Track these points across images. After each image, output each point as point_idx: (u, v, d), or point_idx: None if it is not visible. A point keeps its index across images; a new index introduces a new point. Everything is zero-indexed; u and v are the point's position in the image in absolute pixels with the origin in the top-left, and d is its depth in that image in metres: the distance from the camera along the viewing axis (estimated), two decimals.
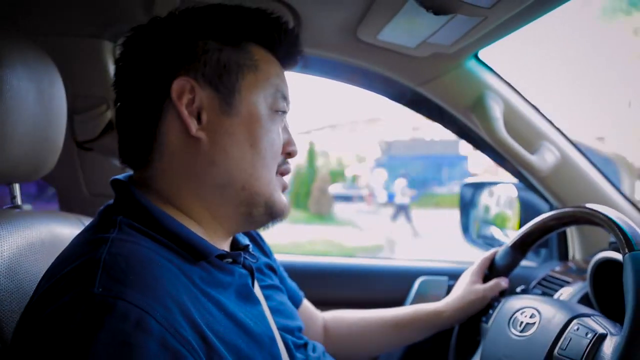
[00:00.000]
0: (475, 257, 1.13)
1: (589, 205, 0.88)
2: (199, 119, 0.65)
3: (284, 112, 0.70)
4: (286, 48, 0.72)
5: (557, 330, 0.80)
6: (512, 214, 1.50)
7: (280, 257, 1.09)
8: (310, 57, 1.18)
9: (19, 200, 0.85)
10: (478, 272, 1.08)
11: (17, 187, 0.85)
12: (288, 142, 0.72)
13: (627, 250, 0.74)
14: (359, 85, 1.24)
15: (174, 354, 0.50)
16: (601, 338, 0.74)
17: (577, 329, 0.78)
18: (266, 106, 0.68)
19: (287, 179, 0.74)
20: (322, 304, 1.16)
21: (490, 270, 1.08)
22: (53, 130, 0.81)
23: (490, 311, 0.99)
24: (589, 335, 0.75)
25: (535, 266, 1.41)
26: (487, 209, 1.59)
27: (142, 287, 0.52)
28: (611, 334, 0.75)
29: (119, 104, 0.68)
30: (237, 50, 0.67)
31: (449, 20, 0.85)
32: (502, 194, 1.54)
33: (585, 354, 0.73)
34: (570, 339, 0.77)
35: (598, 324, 0.78)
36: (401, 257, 1.62)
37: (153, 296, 0.52)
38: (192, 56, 0.65)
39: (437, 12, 0.81)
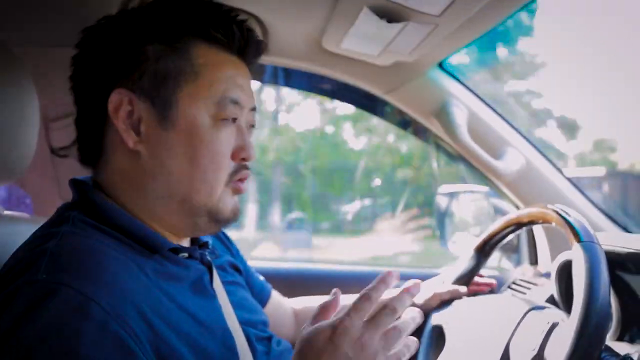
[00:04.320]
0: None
1: (543, 204, 0.91)
2: (138, 131, 0.64)
3: (234, 118, 0.67)
4: (239, 40, 0.68)
5: (515, 323, 0.82)
6: (485, 221, 1.53)
7: (263, 264, 1.12)
8: (278, 68, 1.22)
9: None
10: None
11: None
12: (241, 148, 0.68)
13: (574, 242, 0.76)
14: (328, 95, 1.28)
15: (115, 340, 0.51)
16: (554, 326, 0.76)
17: (533, 320, 0.80)
18: (208, 116, 0.65)
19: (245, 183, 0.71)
20: None
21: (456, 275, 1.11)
22: (25, 136, 0.83)
23: (451, 311, 1.01)
24: (543, 324, 0.77)
25: (506, 271, 1.44)
26: (461, 216, 1.62)
27: (87, 275, 0.53)
28: (563, 321, 0.77)
29: (75, 108, 0.69)
30: (177, 55, 0.64)
31: (403, 28, 0.89)
32: (475, 201, 1.58)
33: (541, 342, 0.75)
34: (526, 329, 0.79)
35: (553, 313, 0.81)
36: (384, 264, 1.64)
37: (98, 283, 0.53)
38: (130, 66, 0.64)
39: (389, 20, 0.85)
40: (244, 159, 0.69)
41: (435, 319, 1.05)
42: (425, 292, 1.11)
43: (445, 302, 1.07)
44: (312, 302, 1.15)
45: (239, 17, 0.69)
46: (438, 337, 1.04)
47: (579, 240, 0.75)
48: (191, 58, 0.65)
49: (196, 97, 0.65)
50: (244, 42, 0.69)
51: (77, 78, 0.68)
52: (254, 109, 0.71)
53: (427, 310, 1.09)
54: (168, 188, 0.65)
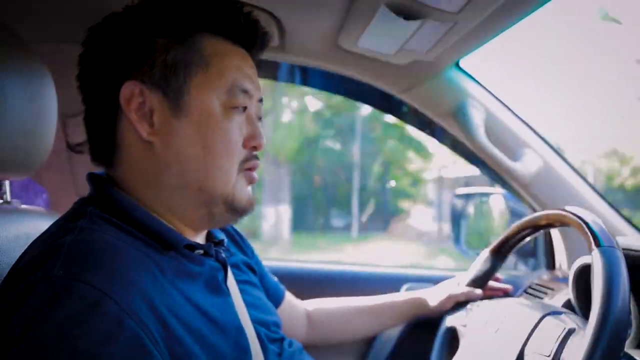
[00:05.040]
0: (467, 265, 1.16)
1: (560, 207, 0.89)
2: (152, 122, 0.65)
3: (245, 106, 0.68)
4: (245, 32, 0.70)
5: (530, 327, 0.80)
6: (502, 224, 1.51)
7: (274, 264, 1.13)
8: (295, 66, 1.22)
9: (8, 197, 0.89)
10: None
11: (6, 183, 0.89)
12: (251, 136, 0.69)
13: (593, 247, 0.74)
14: (343, 94, 1.27)
15: (131, 336, 0.51)
16: (570, 332, 0.74)
17: (549, 325, 0.78)
18: (220, 104, 0.66)
19: (255, 173, 0.72)
20: None
21: (471, 277, 1.10)
22: (42, 130, 0.85)
23: (466, 313, 1.00)
24: (559, 330, 0.75)
25: (523, 275, 1.41)
26: (477, 219, 1.61)
27: (103, 271, 0.53)
28: (579, 327, 0.75)
29: (84, 106, 0.70)
30: (186, 47, 0.65)
31: (421, 26, 0.88)
32: (492, 203, 1.56)
33: (555, 348, 0.73)
34: (542, 334, 0.78)
35: (570, 319, 0.79)
36: (388, 264, 1.63)
37: (113, 280, 0.53)
38: (140, 58, 0.64)
39: (407, 18, 0.84)
40: (254, 148, 0.70)
41: (450, 321, 1.05)
42: (440, 293, 1.10)
43: (460, 304, 1.06)
44: (324, 304, 1.15)
45: (245, 9, 0.70)
46: (452, 339, 1.04)
47: (599, 245, 0.73)
48: (200, 49, 0.66)
49: (207, 86, 0.66)
50: (249, 33, 0.70)
51: (86, 75, 0.68)
52: (261, 101, 0.72)
53: (441, 312, 1.08)
54: (184, 177, 0.66)
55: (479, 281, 1.08)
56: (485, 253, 1.09)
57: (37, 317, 0.49)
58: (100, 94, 0.66)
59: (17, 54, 0.78)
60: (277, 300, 1.05)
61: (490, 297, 1.06)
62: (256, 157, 0.71)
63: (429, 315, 1.12)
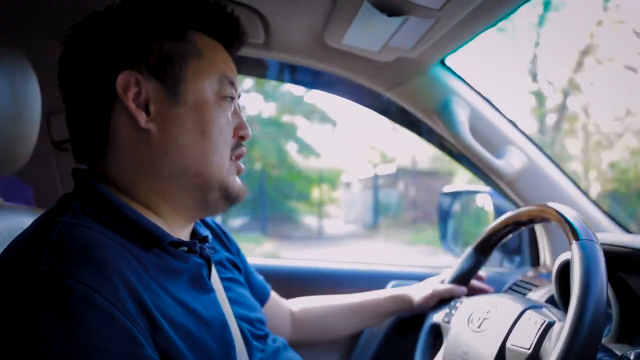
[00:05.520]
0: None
1: (542, 203, 0.90)
2: (147, 111, 0.66)
3: (232, 97, 0.71)
4: (229, 32, 0.73)
5: (511, 322, 0.81)
6: (487, 221, 1.52)
7: (261, 262, 1.13)
8: (282, 64, 1.22)
9: None
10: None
11: None
12: (239, 126, 0.72)
13: (572, 240, 0.75)
14: (329, 91, 1.28)
15: (121, 328, 0.51)
16: (550, 325, 0.75)
17: (529, 319, 0.79)
18: (213, 92, 0.69)
19: (242, 162, 0.75)
20: None
21: (455, 274, 1.10)
22: (26, 127, 0.84)
23: (450, 310, 1.00)
24: (538, 323, 0.76)
25: (508, 272, 1.42)
26: (463, 217, 1.62)
27: (89, 266, 0.53)
28: (559, 320, 0.76)
29: (67, 105, 0.70)
30: (179, 40, 0.68)
31: (404, 22, 0.89)
32: (478, 201, 1.57)
33: (535, 341, 0.74)
34: (522, 328, 0.78)
35: (550, 312, 0.80)
36: (373, 262, 1.64)
37: (100, 274, 0.53)
38: (133, 50, 0.66)
39: (390, 14, 0.85)
40: (242, 137, 0.73)
41: (433, 317, 1.05)
42: (424, 290, 1.10)
43: (444, 300, 1.07)
44: (308, 303, 1.16)
45: (228, 6, 0.73)
46: (435, 336, 1.04)
47: (577, 239, 0.74)
48: (193, 42, 0.69)
49: (201, 75, 0.68)
50: (232, 31, 0.74)
51: (74, 71, 0.68)
52: (239, 97, 0.75)
53: (425, 310, 1.09)
54: (181, 163, 0.67)
55: (463, 278, 1.08)
56: (469, 250, 1.09)
57: (27, 313, 0.49)
58: (92, 87, 0.67)
59: (0, 50, 0.77)
60: (262, 299, 1.05)
61: (473, 294, 1.07)
62: (242, 145, 0.74)
63: (412, 312, 1.13)
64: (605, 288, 0.69)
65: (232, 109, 0.72)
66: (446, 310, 1.01)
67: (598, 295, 0.67)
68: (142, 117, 0.65)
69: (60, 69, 0.70)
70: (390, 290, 1.17)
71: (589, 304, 0.66)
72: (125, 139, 0.67)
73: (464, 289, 1.07)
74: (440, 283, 1.11)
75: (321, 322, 1.14)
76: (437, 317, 1.04)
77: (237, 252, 1.02)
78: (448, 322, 0.99)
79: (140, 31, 0.67)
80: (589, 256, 0.71)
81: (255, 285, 1.05)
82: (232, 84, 0.71)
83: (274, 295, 1.10)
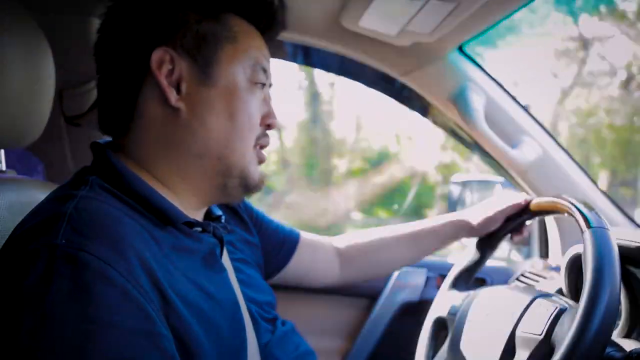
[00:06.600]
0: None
1: (551, 195, 0.90)
2: (178, 90, 0.66)
3: (264, 84, 0.71)
4: (266, 18, 0.73)
5: (521, 309, 0.81)
6: None
7: None
8: (297, 45, 1.21)
9: (3, 166, 0.88)
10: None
11: (1, 152, 0.88)
12: (268, 114, 0.72)
13: (585, 228, 0.75)
14: (344, 74, 1.26)
15: (135, 304, 0.51)
16: (562, 311, 0.75)
17: (540, 305, 0.79)
18: (245, 78, 0.68)
19: (266, 151, 0.75)
20: (301, 291, 1.20)
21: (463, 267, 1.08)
22: (40, 100, 0.84)
23: (455, 303, 0.99)
24: (550, 310, 0.76)
25: (517, 263, 1.42)
26: (474, 205, 1.61)
27: (105, 241, 0.53)
28: (571, 307, 0.76)
29: (99, 75, 0.69)
30: (215, 22, 0.68)
31: (423, 6, 0.87)
32: (489, 191, 1.56)
33: (547, 327, 0.74)
34: (533, 315, 0.78)
35: (561, 300, 0.80)
36: None
37: (115, 249, 0.53)
38: (171, 28, 0.66)
39: None
40: (268, 126, 0.73)
41: (437, 311, 1.03)
42: (484, 212, 1.05)
43: (509, 220, 1.02)
44: (357, 237, 1.12)
45: None
46: (439, 330, 1.03)
47: (589, 226, 0.75)
48: (229, 25, 0.68)
49: (235, 59, 0.67)
50: (269, 17, 0.73)
51: (110, 43, 0.68)
52: (271, 86, 0.74)
53: (488, 230, 1.05)
54: (206, 145, 0.67)
55: (470, 271, 1.07)
56: (477, 241, 1.08)
57: (42, 285, 0.49)
58: (126, 60, 0.66)
59: (18, 22, 0.77)
60: (292, 246, 1.04)
61: (479, 286, 1.05)
62: (268, 135, 0.73)
63: (475, 235, 1.07)
64: (618, 274, 0.69)
65: (262, 96, 0.71)
66: (450, 303, 1.00)
67: (612, 280, 0.68)
68: (173, 95, 0.65)
69: (98, 39, 0.69)
70: (446, 216, 1.11)
71: (604, 288, 0.67)
72: (153, 115, 0.66)
73: (525, 197, 1.01)
74: (499, 203, 1.05)
75: (375, 255, 1.11)
76: (441, 311, 1.02)
77: (254, 214, 1.02)
78: (454, 315, 0.98)
79: (179, 9, 0.66)
80: (602, 243, 0.72)
81: (284, 232, 1.04)
82: (265, 71, 0.71)
83: (307, 237, 1.08)
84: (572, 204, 0.80)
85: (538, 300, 0.80)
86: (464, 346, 0.90)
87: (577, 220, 0.78)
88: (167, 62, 0.65)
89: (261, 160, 0.73)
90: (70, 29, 1.12)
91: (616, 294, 0.67)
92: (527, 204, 1.00)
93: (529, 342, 0.75)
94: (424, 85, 1.21)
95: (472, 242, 1.08)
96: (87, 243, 0.52)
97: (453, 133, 1.36)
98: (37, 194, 0.83)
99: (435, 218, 1.11)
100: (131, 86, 0.66)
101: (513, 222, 1.03)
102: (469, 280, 1.06)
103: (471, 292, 0.98)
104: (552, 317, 0.74)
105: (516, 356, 0.77)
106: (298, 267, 1.07)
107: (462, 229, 1.08)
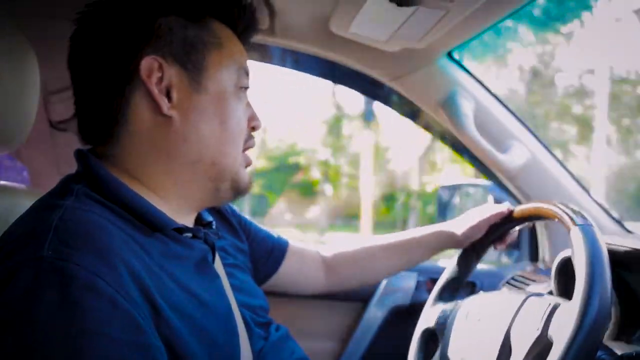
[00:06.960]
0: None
1: (535, 202, 0.92)
2: (169, 98, 0.65)
3: (247, 88, 0.71)
4: (245, 24, 0.73)
5: (514, 310, 0.81)
6: None
7: None
8: (286, 50, 1.20)
9: None
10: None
11: None
12: (252, 117, 0.73)
13: (571, 226, 0.77)
14: (334, 80, 1.26)
15: (124, 315, 0.50)
16: (556, 307, 0.76)
17: (533, 305, 0.80)
18: (232, 83, 0.68)
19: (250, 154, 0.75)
20: (292, 295, 1.18)
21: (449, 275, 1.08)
22: (25, 104, 0.82)
23: (444, 313, 0.99)
24: (545, 305, 0.77)
25: (506, 267, 1.43)
26: (462, 210, 1.61)
27: (92, 252, 0.52)
28: (565, 302, 0.76)
29: (75, 83, 0.68)
30: (201, 27, 0.67)
31: (413, 12, 0.87)
32: (477, 195, 1.56)
33: (544, 323, 0.75)
34: (527, 312, 0.79)
35: (553, 297, 0.81)
36: None
37: (103, 260, 0.52)
38: (156, 34, 0.64)
39: (400, 4, 0.83)
40: (253, 128, 0.74)
41: (426, 322, 1.02)
42: (467, 221, 1.07)
43: (494, 227, 1.04)
44: (343, 246, 1.13)
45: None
46: (429, 341, 1.02)
47: (575, 224, 0.77)
48: (212, 30, 0.68)
49: (222, 64, 0.68)
50: (247, 22, 0.73)
51: (91, 51, 0.66)
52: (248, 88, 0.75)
53: (473, 239, 1.06)
54: (198, 152, 0.67)
55: (456, 280, 1.06)
56: (463, 250, 1.08)
57: (29, 298, 0.48)
58: (109, 69, 0.64)
59: (1, 26, 0.75)
60: (281, 253, 1.04)
61: (471, 293, 1.04)
62: (253, 137, 0.74)
63: (460, 246, 1.08)
64: (608, 266, 0.72)
65: (246, 100, 0.72)
66: (439, 313, 0.99)
67: (604, 271, 0.71)
68: (165, 104, 0.64)
69: (72, 48, 0.67)
70: (431, 227, 1.13)
71: (597, 280, 0.69)
72: (140, 122, 0.65)
73: (508, 206, 1.03)
74: (481, 213, 1.06)
75: (360, 264, 1.11)
76: (430, 322, 1.01)
77: (242, 221, 1.01)
78: (443, 324, 0.97)
79: (162, 13, 0.65)
80: (590, 238, 0.74)
81: (272, 240, 1.04)
82: (247, 75, 0.71)
83: (295, 245, 1.08)
84: (555, 206, 0.83)
85: (531, 298, 0.81)
86: (457, 354, 0.90)
87: (562, 221, 0.79)
88: (155, 69, 0.63)
89: (248, 163, 0.73)
90: (55, 33, 1.10)
91: (609, 286, 0.70)
92: (511, 212, 1.02)
93: (526, 339, 0.76)
94: (413, 91, 1.21)
95: (459, 251, 1.09)
96: (74, 254, 0.51)
97: (439, 135, 1.36)
98: (21, 201, 0.81)
99: (420, 229, 1.13)
100: (114, 94, 0.65)
101: (497, 230, 1.04)
102: (455, 292, 1.06)
103: (459, 301, 0.98)
104: (547, 312, 0.75)
105: (512, 355, 0.77)
106: (285, 275, 1.07)
107: (446, 240, 1.10)
